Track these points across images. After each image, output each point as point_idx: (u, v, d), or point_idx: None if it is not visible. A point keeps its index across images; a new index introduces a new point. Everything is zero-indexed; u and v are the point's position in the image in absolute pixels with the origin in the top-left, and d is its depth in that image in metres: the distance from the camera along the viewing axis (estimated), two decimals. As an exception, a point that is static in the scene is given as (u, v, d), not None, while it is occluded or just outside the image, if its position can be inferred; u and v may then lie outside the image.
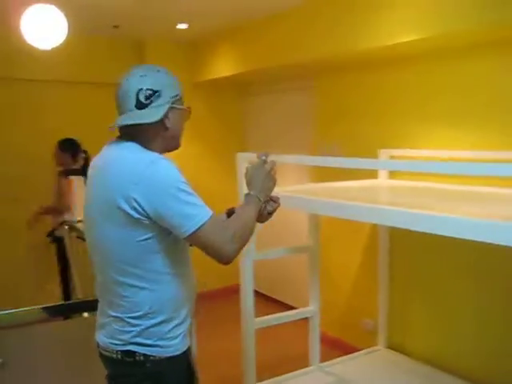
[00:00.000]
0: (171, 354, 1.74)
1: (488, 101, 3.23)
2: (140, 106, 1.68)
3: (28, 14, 3.03)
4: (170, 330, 1.74)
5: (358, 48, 3.57)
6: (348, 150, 4.22)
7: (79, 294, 4.19)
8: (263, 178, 1.87)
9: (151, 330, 1.70)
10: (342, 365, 3.73)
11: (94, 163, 1.82)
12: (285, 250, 3.72)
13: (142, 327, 1.70)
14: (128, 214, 1.60)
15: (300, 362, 3.81)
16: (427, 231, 2.04)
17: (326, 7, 3.83)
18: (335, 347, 4.29)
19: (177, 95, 1.76)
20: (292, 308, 4.74)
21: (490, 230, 1.81)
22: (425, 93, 3.63)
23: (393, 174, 3.77)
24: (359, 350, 3.96)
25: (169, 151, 1.81)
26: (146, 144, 1.71)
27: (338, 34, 3.71)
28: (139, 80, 1.70)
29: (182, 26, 4.80)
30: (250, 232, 1.74)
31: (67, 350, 2.53)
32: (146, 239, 1.64)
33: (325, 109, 4.54)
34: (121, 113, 1.72)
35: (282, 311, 3.92)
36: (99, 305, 1.85)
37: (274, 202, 1.94)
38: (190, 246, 1.74)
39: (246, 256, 3.12)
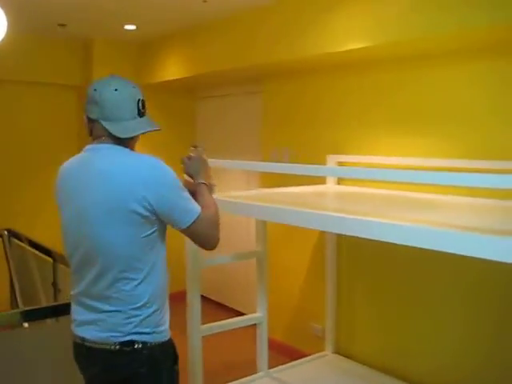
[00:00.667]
0: (163, 340, 1.89)
1: (435, 108, 3.29)
2: (140, 114, 1.86)
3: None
4: (161, 318, 1.89)
5: (305, 54, 3.59)
6: (297, 154, 4.22)
7: (20, 302, 4.06)
8: (206, 166, 2.18)
9: (148, 318, 1.83)
10: (290, 370, 3.72)
11: (83, 163, 1.87)
12: (233, 257, 3.68)
13: (141, 317, 1.82)
14: (139, 213, 1.75)
15: (248, 368, 3.78)
16: (372, 238, 2.05)
17: (274, 13, 3.83)
18: (283, 353, 4.27)
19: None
20: (240, 313, 4.71)
21: (431, 237, 1.83)
22: (372, 99, 3.66)
23: (341, 180, 3.79)
24: (307, 355, 3.95)
25: None
26: (131, 148, 1.89)
27: (286, 40, 3.71)
28: (134, 91, 1.86)
29: (130, 27, 4.71)
30: (218, 213, 1.98)
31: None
32: (149, 234, 1.80)
33: (273, 113, 4.53)
34: (119, 119, 1.82)
35: (230, 316, 3.88)
36: (81, 302, 1.89)
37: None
38: None
39: (193, 263, 3.07)
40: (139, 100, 1.86)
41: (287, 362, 3.84)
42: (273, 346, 4.17)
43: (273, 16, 3.84)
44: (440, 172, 1.97)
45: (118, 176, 1.77)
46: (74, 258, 1.88)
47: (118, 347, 1.80)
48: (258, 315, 3.62)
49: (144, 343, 1.82)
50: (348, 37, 3.28)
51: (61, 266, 3.36)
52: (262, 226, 3.57)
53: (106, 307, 1.82)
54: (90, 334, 1.84)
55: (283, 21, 3.75)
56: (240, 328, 3.63)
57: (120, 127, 1.82)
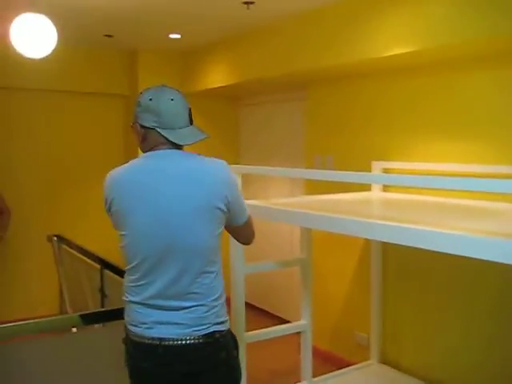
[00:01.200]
0: (229, 327, 2.04)
1: (485, 114, 3.21)
2: (191, 122, 1.99)
3: (17, 23, 3.00)
4: (225, 306, 2.03)
5: (352, 60, 3.56)
6: (341, 161, 4.20)
7: (68, 307, 4.15)
8: None
9: (222, 308, 1.99)
10: (334, 380, 3.69)
11: (158, 168, 1.92)
12: (277, 264, 3.67)
13: (218, 308, 1.96)
14: (221, 209, 1.91)
15: (292, 376, 3.77)
16: (418, 246, 2.01)
17: (320, 19, 3.82)
18: (327, 361, 4.24)
19: None
20: (284, 321, 4.70)
21: (483, 247, 1.78)
22: (420, 105, 3.61)
23: (386, 187, 3.74)
24: (352, 364, 3.91)
25: None
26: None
27: (332, 46, 3.69)
28: (184, 101, 1.97)
29: (175, 36, 4.78)
30: None
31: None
32: (221, 228, 1.98)
33: (317, 120, 4.51)
34: (177, 127, 1.92)
35: (273, 324, 3.88)
36: (153, 305, 1.92)
37: None
38: None
39: (237, 269, 3.08)
40: (190, 109, 1.98)
41: (332, 371, 3.80)
42: (317, 354, 4.14)
43: (318, 22, 3.83)
44: (489, 179, 1.91)
45: (203, 177, 1.91)
46: (147, 262, 1.89)
47: (201, 340, 1.90)
48: (302, 323, 3.60)
49: (221, 332, 1.95)
50: (394, 42, 3.24)
51: (108, 273, 3.42)
52: (307, 233, 3.56)
53: (187, 304, 1.90)
54: (170, 332, 1.89)
55: (328, 26, 3.74)
56: (284, 335, 3.62)
57: (177, 135, 1.91)
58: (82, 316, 2.62)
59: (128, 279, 1.98)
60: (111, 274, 3.37)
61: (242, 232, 2.13)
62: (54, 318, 2.62)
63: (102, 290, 3.49)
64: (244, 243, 2.23)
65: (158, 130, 1.91)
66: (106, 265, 3.47)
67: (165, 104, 1.90)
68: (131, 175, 1.94)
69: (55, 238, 4.44)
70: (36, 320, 2.44)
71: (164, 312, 1.91)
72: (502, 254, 1.73)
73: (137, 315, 1.95)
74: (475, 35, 2.80)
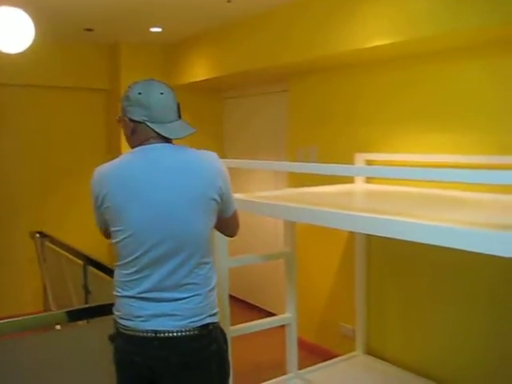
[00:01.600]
0: (219, 319, 2.05)
1: (469, 105, 3.23)
2: (180, 116, 1.99)
3: (-6, 18, 2.95)
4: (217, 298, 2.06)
5: (333, 51, 3.56)
6: (324, 153, 4.20)
7: (52, 304, 4.12)
8: None
9: (215, 299, 2.00)
10: (320, 371, 3.70)
11: (150, 161, 1.91)
12: (261, 257, 3.67)
13: (212, 298, 1.98)
14: (216, 200, 1.94)
15: (277, 369, 3.77)
16: (401, 238, 2.02)
17: (302, 11, 3.81)
18: (313, 353, 4.25)
19: None
20: (271, 313, 4.70)
21: (466, 238, 1.79)
22: (400, 96, 3.62)
23: (370, 179, 3.75)
24: (337, 356, 3.93)
25: None
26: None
27: (315, 38, 3.69)
28: (173, 95, 1.97)
29: (156, 30, 4.74)
30: None
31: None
32: (215, 219, 1.99)
33: (299, 112, 4.51)
34: (167, 121, 1.93)
35: (260, 317, 3.88)
36: (149, 298, 1.91)
37: None
38: None
39: (221, 263, 3.07)
40: (178, 104, 1.99)
41: (318, 363, 3.82)
42: (303, 346, 4.15)
43: (299, 14, 3.82)
44: (471, 170, 1.91)
45: (198, 169, 1.93)
46: (145, 256, 1.88)
47: (196, 332, 1.90)
48: (287, 316, 3.60)
49: (213, 324, 1.97)
50: (376, 33, 3.24)
51: (91, 269, 3.40)
52: (290, 226, 3.56)
53: (183, 295, 1.90)
54: (165, 324, 1.89)
55: (310, 19, 3.73)
56: (270, 328, 3.62)
57: (167, 129, 1.92)
58: (65, 313, 2.60)
59: (120, 274, 1.96)
60: (95, 270, 3.35)
61: (229, 224, 2.13)
62: (37, 315, 2.58)
63: (85, 287, 3.46)
64: (229, 235, 2.23)
65: (148, 123, 1.90)
66: (89, 261, 3.45)
67: (154, 98, 1.90)
68: (124, 170, 1.91)
69: (38, 235, 4.40)
70: (19, 318, 2.40)
71: (159, 304, 1.90)
72: (486, 245, 1.74)
73: (130, 309, 1.93)
74: (457, 26, 2.80)
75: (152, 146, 1.92)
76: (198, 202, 1.90)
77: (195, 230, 1.91)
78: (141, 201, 1.86)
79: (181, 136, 1.93)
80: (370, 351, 3.90)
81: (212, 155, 2.01)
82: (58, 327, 2.95)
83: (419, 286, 3.53)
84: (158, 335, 1.88)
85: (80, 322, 2.84)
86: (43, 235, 4.40)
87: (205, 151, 2.01)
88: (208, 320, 1.94)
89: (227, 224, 2.13)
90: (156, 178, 1.87)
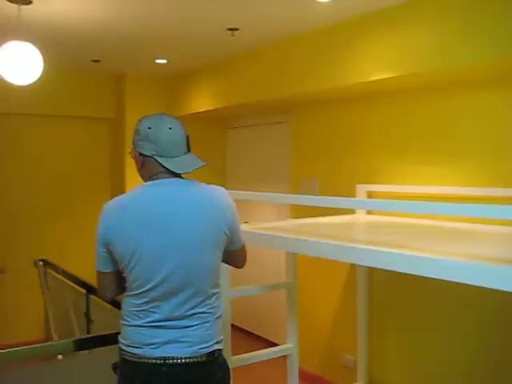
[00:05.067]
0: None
1: (467, 138, 3.27)
2: (189, 150, 2.03)
3: (3, 51, 3.02)
4: None
5: (334, 84, 3.62)
6: (327, 185, 4.24)
7: (53, 332, 4.12)
8: None
9: (220, 326, 2.06)
10: (321, 403, 3.68)
11: (166, 195, 1.95)
12: (263, 288, 3.68)
13: (219, 326, 2.04)
14: (227, 234, 2.00)
15: (279, 400, 3.75)
16: (403, 271, 2.03)
17: (303, 45, 3.88)
18: (315, 384, 4.23)
19: None
20: (272, 343, 4.69)
21: (465, 271, 1.81)
22: (403, 129, 3.66)
23: (371, 210, 3.77)
24: (339, 387, 3.91)
25: None
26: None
27: (316, 71, 3.76)
28: (183, 128, 2.03)
29: (161, 61, 4.83)
30: None
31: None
32: (222, 252, 2.04)
33: (302, 144, 4.56)
34: (174, 155, 1.96)
35: (261, 346, 3.86)
36: (160, 326, 1.94)
37: None
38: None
39: (222, 293, 3.07)
40: (188, 136, 2.03)
41: (319, 394, 3.80)
42: (305, 377, 4.13)
43: (301, 47, 3.90)
44: (473, 204, 1.95)
45: (210, 203, 1.98)
46: (159, 288, 1.90)
47: (203, 358, 1.94)
48: (288, 346, 3.59)
49: (220, 350, 2.02)
50: (376, 67, 3.31)
51: (93, 298, 3.41)
52: (292, 257, 3.57)
53: (193, 322, 1.95)
54: (175, 351, 1.92)
55: (312, 52, 3.80)
56: (272, 358, 3.61)
57: (175, 163, 1.96)
58: (69, 343, 2.61)
59: (130, 304, 1.96)
60: (97, 299, 3.36)
61: (238, 256, 2.18)
62: (38, 345, 2.57)
63: (87, 315, 3.47)
64: (239, 267, 2.25)
65: (156, 158, 1.94)
66: (91, 290, 3.46)
67: (163, 133, 1.94)
68: (137, 204, 1.93)
69: (41, 263, 4.41)
70: (20, 347, 2.41)
71: (169, 331, 1.93)
72: (487, 279, 1.75)
73: (139, 337, 1.94)
74: (458, 61, 2.87)
75: (163, 180, 1.96)
76: (210, 236, 1.96)
77: (207, 263, 1.97)
78: (152, 234, 1.88)
79: (188, 170, 1.96)
80: (371, 382, 3.88)
81: (221, 190, 2.07)
82: (60, 357, 2.95)
83: (421, 317, 3.53)
84: (167, 361, 1.91)
85: (82, 352, 2.84)
86: (46, 263, 4.41)
87: (214, 186, 2.06)
88: (216, 346, 1.99)
89: (236, 256, 2.17)
90: (166, 212, 1.90)
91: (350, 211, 3.76)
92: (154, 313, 1.92)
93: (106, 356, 2.34)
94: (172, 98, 5.56)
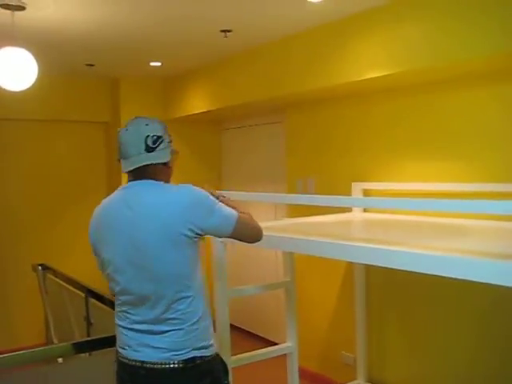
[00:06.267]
0: (217, 352, 2.05)
1: (463, 134, 3.29)
2: (149, 149, 1.95)
3: (-2, 57, 3.03)
4: (212, 331, 2.06)
5: (330, 84, 3.63)
6: (323, 183, 4.26)
7: (53, 336, 4.13)
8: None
9: (204, 332, 1.99)
10: (321, 401, 3.69)
11: (125, 200, 1.98)
12: (261, 287, 3.70)
13: (198, 331, 1.96)
14: (186, 235, 1.89)
15: (280, 399, 3.76)
16: (400, 268, 2.05)
17: (296, 45, 3.90)
18: (315, 382, 4.25)
19: (171, 140, 2.05)
20: (271, 342, 4.70)
21: (462, 267, 1.82)
22: (398, 126, 3.68)
23: (367, 208, 3.79)
24: (339, 385, 3.93)
25: None
26: (166, 181, 2.03)
27: (310, 71, 3.77)
28: (145, 128, 1.96)
29: (156, 64, 4.84)
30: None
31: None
32: (193, 253, 1.97)
33: (298, 143, 4.58)
34: (128, 156, 1.96)
35: (261, 346, 3.87)
36: (137, 329, 1.97)
37: None
38: None
39: (221, 294, 3.10)
40: (147, 136, 1.95)
41: (319, 392, 3.82)
42: (305, 375, 4.15)
43: (295, 47, 3.91)
44: (467, 200, 1.96)
45: (165, 207, 1.92)
46: (125, 292, 1.97)
47: (181, 365, 1.92)
48: (287, 345, 3.61)
49: (203, 357, 1.96)
50: (371, 65, 3.33)
51: (92, 301, 3.42)
52: (289, 256, 3.59)
53: (165, 328, 1.93)
54: (151, 356, 1.93)
55: (305, 52, 3.82)
56: (271, 357, 3.63)
57: (126, 164, 1.98)
58: (68, 346, 2.63)
59: (116, 304, 2.06)
60: (96, 302, 3.38)
61: (241, 237, 2.09)
62: (38, 349, 2.60)
63: (87, 319, 3.48)
64: (251, 242, 2.13)
65: (121, 160, 2.01)
66: (90, 293, 3.47)
67: (121, 135, 1.99)
68: (105, 209, 2.04)
69: (40, 268, 4.42)
70: (20, 352, 2.43)
71: (146, 336, 1.95)
72: (485, 274, 1.76)
73: (123, 337, 2.02)
74: (450, 58, 2.89)
75: (128, 183, 2.02)
76: (164, 238, 1.89)
77: (166, 267, 1.91)
78: (114, 240, 1.96)
79: (128, 169, 1.98)
80: (371, 379, 3.90)
81: (182, 189, 1.97)
82: (60, 360, 2.96)
83: (419, 313, 3.55)
84: (144, 365, 1.94)
85: (82, 355, 2.86)
86: (45, 268, 4.42)
87: (178, 185, 1.99)
88: (194, 354, 1.94)
89: (239, 238, 2.11)
90: (124, 217, 1.95)
91: (347, 209, 3.78)
92: (132, 315, 1.99)
93: (105, 358, 2.36)
94: (167, 100, 5.57)
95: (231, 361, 3.20)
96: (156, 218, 1.90)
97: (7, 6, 3.04)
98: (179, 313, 1.93)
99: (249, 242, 2.13)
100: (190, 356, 1.93)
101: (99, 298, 3.31)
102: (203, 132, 5.89)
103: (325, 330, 4.32)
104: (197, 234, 1.93)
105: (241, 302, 4.76)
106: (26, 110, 5.04)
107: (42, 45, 3.92)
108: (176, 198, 1.94)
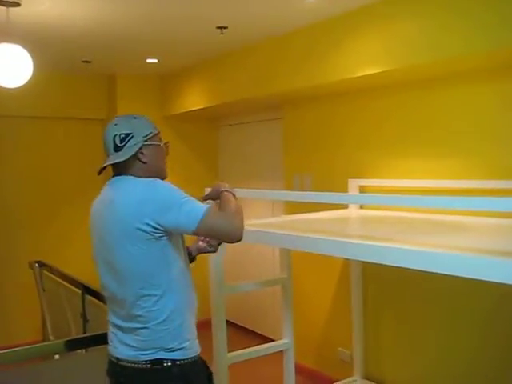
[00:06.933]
0: (192, 355, 1.95)
1: (459, 130, 3.29)
2: (117, 148, 1.96)
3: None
4: (187, 332, 1.96)
5: (325, 80, 3.63)
6: (320, 180, 4.26)
7: (50, 333, 4.13)
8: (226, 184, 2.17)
9: (174, 332, 1.91)
10: (318, 397, 3.70)
11: (102, 197, 2.03)
12: (257, 284, 3.70)
13: (165, 332, 1.90)
14: (144, 230, 1.84)
15: (276, 395, 3.77)
16: (397, 265, 2.04)
17: (292, 41, 3.90)
18: (311, 379, 4.25)
19: (150, 133, 2.01)
20: (269, 339, 4.71)
21: (460, 264, 1.82)
22: (395, 122, 3.68)
23: (363, 204, 3.79)
24: (336, 381, 3.93)
25: None
26: (137, 177, 1.98)
27: (306, 67, 3.77)
28: (113, 128, 1.98)
29: (152, 61, 4.83)
30: (241, 210, 1.96)
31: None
32: (159, 250, 1.88)
33: (294, 140, 4.58)
34: (108, 154, 2.00)
35: (258, 342, 3.88)
36: (113, 322, 2.02)
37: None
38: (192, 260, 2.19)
39: (216, 290, 3.10)
40: (115, 136, 1.96)
41: (316, 389, 3.82)
42: (301, 371, 4.16)
43: (291, 44, 3.91)
44: (465, 196, 1.97)
45: (121, 202, 1.91)
46: (107, 286, 2.01)
47: (148, 366, 1.89)
48: (284, 342, 3.62)
49: (173, 361, 1.90)
50: (366, 62, 3.32)
51: (89, 298, 3.42)
52: (286, 252, 3.59)
53: (134, 325, 1.92)
54: (122, 353, 1.95)
55: (301, 49, 3.81)
56: (268, 354, 3.63)
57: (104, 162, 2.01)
58: (63, 342, 2.63)
59: None
60: (92, 299, 3.38)
61: (210, 234, 2.00)
62: (34, 345, 2.60)
63: (83, 315, 3.48)
64: (229, 241, 1.91)
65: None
66: (87, 290, 3.47)
67: (104, 133, 2.02)
68: (93, 205, 2.08)
69: (36, 265, 4.42)
70: (17, 348, 2.43)
71: (121, 333, 1.98)
72: (482, 271, 1.75)
73: (109, 333, 2.07)
74: (447, 53, 2.87)
75: (111, 179, 2.05)
76: (119, 233, 1.88)
77: (125, 262, 1.89)
78: (93, 235, 2.05)
79: (98, 170, 2.04)
80: (367, 376, 3.90)
81: (141, 184, 1.92)
82: (57, 357, 2.97)
83: (415, 310, 3.55)
84: (119, 363, 1.96)
85: (78, 351, 2.86)
86: (41, 264, 4.42)
87: (141, 180, 1.94)
88: (161, 355, 1.89)
89: (209, 235, 2.07)
90: (97, 212, 2.02)
91: (344, 205, 3.78)
92: (112, 311, 2.03)
93: (101, 355, 2.35)
94: (163, 97, 5.57)
95: (227, 357, 3.21)
96: (114, 212, 1.92)
97: (2, 3, 3.03)
98: (144, 310, 1.89)
99: (227, 241, 1.95)
100: (157, 357, 1.89)
101: (96, 294, 3.31)
102: (200, 129, 5.88)
103: (321, 326, 4.32)
104: (157, 229, 1.84)
105: (237, 298, 4.76)
106: (21, 107, 5.03)
107: (37, 41, 3.92)
108: (132, 193, 1.91)
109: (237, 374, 3.48)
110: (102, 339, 2.37)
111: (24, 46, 3.17)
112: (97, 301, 3.28)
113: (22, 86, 3.31)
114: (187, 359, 1.93)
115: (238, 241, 1.88)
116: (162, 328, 1.90)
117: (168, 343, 1.90)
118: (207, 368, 2.06)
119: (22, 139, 5.36)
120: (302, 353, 4.10)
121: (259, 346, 3.69)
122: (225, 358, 3.19)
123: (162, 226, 1.85)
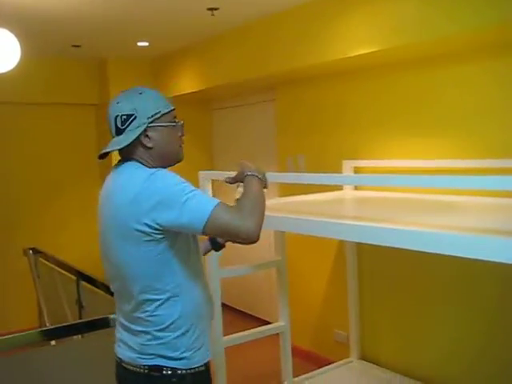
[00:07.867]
0: (196, 366, 1.78)
1: (453, 110, 3.27)
2: (118, 131, 1.74)
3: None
4: (192, 342, 1.78)
5: (318, 61, 3.60)
6: (313, 161, 4.24)
7: (46, 320, 4.13)
8: (251, 165, 1.94)
9: (176, 341, 1.74)
10: (315, 379, 3.72)
11: (107, 184, 1.82)
12: (252, 267, 3.69)
13: (166, 340, 1.74)
14: (144, 232, 1.64)
15: (273, 378, 3.79)
16: (392, 246, 2.02)
17: (284, 22, 3.86)
18: (308, 360, 4.27)
19: (156, 113, 1.79)
20: (266, 322, 4.72)
21: (454, 243, 1.80)
22: (386, 102, 3.66)
23: (358, 185, 3.78)
24: (332, 362, 3.95)
25: (170, 166, 1.85)
26: (143, 163, 1.77)
27: (299, 48, 3.73)
28: (115, 107, 1.75)
29: (143, 44, 4.78)
30: (262, 203, 1.74)
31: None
32: (161, 253, 1.68)
33: (288, 121, 4.55)
34: (112, 135, 1.78)
35: (255, 325, 3.88)
36: (119, 321, 1.88)
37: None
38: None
39: (212, 274, 3.09)
40: (117, 117, 1.74)
41: (313, 370, 3.84)
42: (298, 353, 4.18)
43: (283, 24, 3.87)
44: (458, 175, 1.94)
45: (117, 196, 1.72)
46: (111, 281, 1.87)
47: (146, 371, 1.74)
48: (280, 324, 3.62)
49: (173, 369, 1.74)
50: (359, 42, 3.29)
51: (84, 284, 3.42)
52: (280, 235, 3.59)
53: (134, 327, 1.78)
54: (125, 354, 1.81)
55: (294, 29, 3.78)
56: (264, 336, 3.64)
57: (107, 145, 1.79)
58: (59, 329, 2.63)
59: None
60: (88, 285, 3.38)
61: (219, 232, 1.72)
62: (30, 331, 2.59)
63: (78, 302, 3.48)
64: (241, 243, 1.69)
65: None
66: (82, 276, 3.47)
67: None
68: (102, 189, 1.88)
69: (31, 252, 4.41)
70: (11, 335, 2.42)
71: (125, 333, 1.84)
72: (478, 250, 1.74)
73: (116, 332, 1.92)
74: (440, 33, 2.85)
75: (116, 165, 1.84)
76: (117, 232, 1.71)
77: (124, 263, 1.73)
78: (98, 224, 1.85)
79: (98, 156, 1.82)
80: (364, 357, 3.92)
81: (143, 174, 1.69)
82: (53, 343, 2.97)
83: (411, 290, 3.56)
84: (122, 364, 1.83)
85: (75, 337, 2.86)
86: (36, 251, 4.41)
87: (142, 172, 1.72)
88: (159, 362, 1.74)
89: (217, 234, 1.86)
90: (102, 202, 1.83)
91: (338, 187, 3.76)
92: (118, 309, 1.89)
93: (97, 340, 2.36)
94: (156, 81, 5.51)
95: (223, 340, 3.21)
96: (111, 209, 1.74)
97: (-12, -14, 2.99)
98: (147, 314, 1.73)
99: (240, 243, 1.69)
100: (154, 363, 1.73)
101: (91, 281, 3.31)
102: (193, 112, 5.83)
103: (317, 308, 4.33)
104: (157, 230, 1.65)
105: (233, 281, 4.76)
106: (11, 93, 4.98)
107: (25, 26, 3.85)
108: (129, 187, 1.69)
109: (234, 356, 3.49)
110: (97, 325, 2.37)
111: (11, 30, 3.12)
112: (92, 287, 3.28)
113: (10, 71, 3.27)
114: (189, 369, 1.77)
115: (252, 243, 1.66)
116: (162, 335, 1.74)
117: (167, 352, 1.74)
118: (210, 382, 1.90)
119: (13, 126, 5.31)
120: (298, 335, 4.11)
121: (255, 329, 3.69)
122: (221, 341, 3.19)
123: (162, 226, 1.64)
